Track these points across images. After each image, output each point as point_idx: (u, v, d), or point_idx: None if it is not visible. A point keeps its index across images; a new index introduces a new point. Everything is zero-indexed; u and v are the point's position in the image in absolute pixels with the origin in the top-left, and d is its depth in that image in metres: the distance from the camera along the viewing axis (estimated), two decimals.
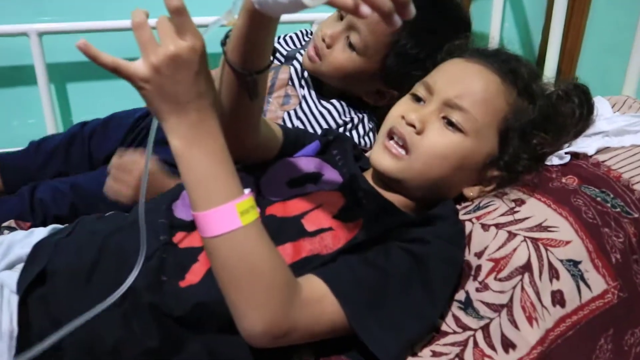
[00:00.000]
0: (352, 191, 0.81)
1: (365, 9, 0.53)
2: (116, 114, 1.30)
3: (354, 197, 0.80)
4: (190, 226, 0.75)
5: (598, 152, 0.88)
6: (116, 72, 0.61)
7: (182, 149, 0.61)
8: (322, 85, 1.18)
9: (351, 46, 1.06)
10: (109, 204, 0.97)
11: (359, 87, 1.14)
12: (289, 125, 1.15)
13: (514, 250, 0.74)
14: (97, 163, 1.24)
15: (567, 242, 0.73)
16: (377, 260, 0.70)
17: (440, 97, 0.79)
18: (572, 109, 0.86)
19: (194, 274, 0.71)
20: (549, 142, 0.83)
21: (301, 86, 1.19)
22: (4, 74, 1.57)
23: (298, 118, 1.15)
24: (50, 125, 1.55)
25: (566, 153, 0.87)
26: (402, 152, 0.79)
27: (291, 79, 1.20)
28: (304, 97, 1.17)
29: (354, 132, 1.14)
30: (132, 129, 1.26)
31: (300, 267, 0.69)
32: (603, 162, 0.86)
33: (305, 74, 1.19)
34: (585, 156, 0.88)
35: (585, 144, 0.88)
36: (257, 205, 0.71)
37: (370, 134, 1.15)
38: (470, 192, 0.84)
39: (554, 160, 0.87)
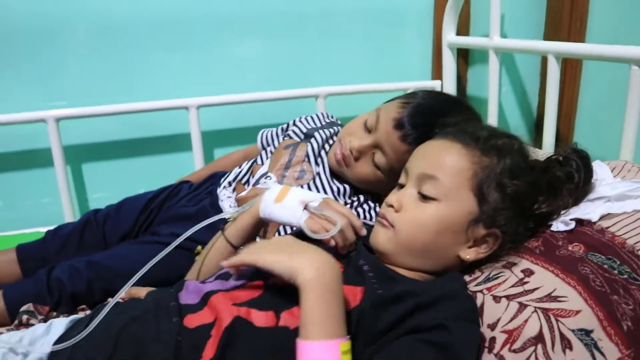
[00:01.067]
0: (353, 260, 0.87)
1: (332, 242, 0.86)
2: (127, 198, 1.35)
3: (355, 266, 0.85)
4: (197, 307, 0.80)
5: (602, 218, 0.90)
6: None
7: (315, 282, 0.71)
8: None
9: (376, 164, 1.15)
10: (126, 279, 1.00)
11: (380, 190, 1.20)
12: None
13: (525, 321, 0.75)
14: (112, 246, 1.27)
15: (577, 312, 0.75)
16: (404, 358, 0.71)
17: (413, 175, 0.89)
18: (570, 172, 0.91)
19: (209, 349, 0.73)
20: (529, 195, 0.88)
21: (317, 164, 1.26)
22: (20, 158, 1.64)
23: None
24: (66, 205, 1.59)
25: (571, 220, 0.89)
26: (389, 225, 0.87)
27: (307, 156, 1.27)
28: (317, 174, 1.24)
29: (359, 209, 1.20)
30: (144, 210, 1.30)
31: None
32: (607, 228, 0.88)
33: (320, 157, 1.27)
34: (589, 222, 0.90)
35: (589, 210, 0.91)
36: (259, 276, 0.82)
37: (374, 211, 1.20)
38: (466, 254, 0.87)
39: (560, 226, 0.89)
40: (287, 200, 0.88)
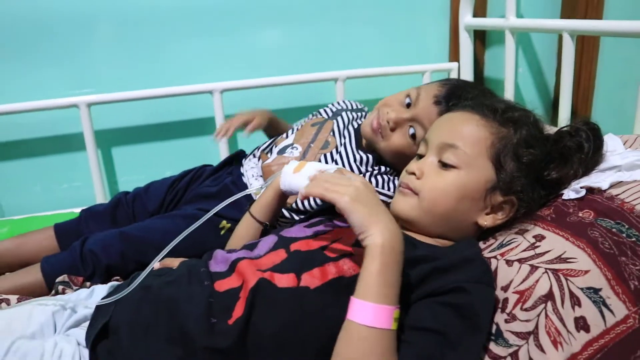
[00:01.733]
0: None
1: None
2: (153, 182, 1.42)
3: None
4: (226, 273, 0.86)
5: (612, 186, 0.93)
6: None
7: (385, 250, 0.73)
8: (360, 140, 1.30)
9: (413, 136, 1.18)
10: (158, 249, 1.06)
11: (406, 164, 1.25)
12: None
13: (537, 281, 0.79)
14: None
15: (586, 272, 0.78)
16: (425, 321, 0.75)
17: (433, 145, 0.93)
18: (579, 142, 0.95)
19: (239, 309, 0.79)
20: (542, 163, 0.92)
21: (342, 137, 1.32)
22: (53, 142, 1.72)
23: (333, 160, 1.27)
24: (98, 187, 1.67)
25: (581, 187, 0.92)
26: (412, 193, 0.91)
27: (333, 131, 1.33)
28: (342, 144, 1.30)
29: (379, 177, 1.24)
30: (170, 191, 1.38)
31: (328, 287, 0.79)
32: (617, 195, 0.91)
33: (347, 130, 1.32)
34: (599, 190, 0.93)
35: (599, 179, 0.94)
36: (282, 245, 0.87)
37: (392, 183, 1.24)
38: (484, 221, 0.91)
39: (570, 194, 0.93)
40: (304, 170, 0.92)
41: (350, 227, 0.80)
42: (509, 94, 1.63)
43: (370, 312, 0.69)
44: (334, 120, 1.35)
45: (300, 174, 0.92)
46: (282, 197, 1.01)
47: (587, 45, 1.60)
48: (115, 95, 1.62)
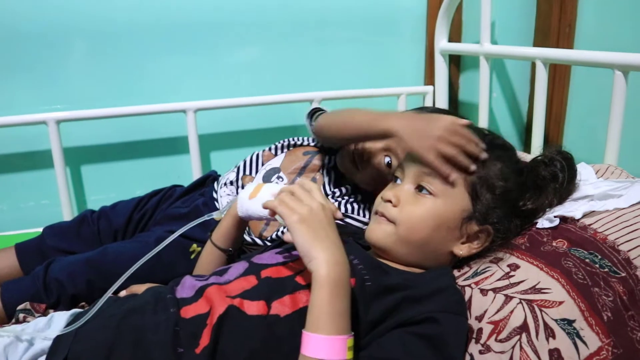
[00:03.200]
0: None
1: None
2: (121, 201, 1.39)
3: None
4: (192, 299, 0.83)
5: (584, 215, 0.94)
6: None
7: (331, 280, 0.71)
8: (340, 176, 1.29)
9: (389, 165, 1.17)
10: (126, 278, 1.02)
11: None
12: None
13: (511, 312, 0.78)
14: (106, 241, 1.30)
15: (560, 303, 0.78)
16: (395, 353, 0.74)
17: (410, 172, 0.92)
18: (554, 172, 0.95)
19: (205, 337, 0.77)
20: (518, 195, 0.92)
21: (326, 174, 1.30)
22: (21, 159, 1.67)
23: None
24: (66, 206, 1.62)
25: (555, 217, 0.93)
26: (387, 221, 0.89)
27: (322, 167, 1.31)
28: (327, 182, 1.28)
29: (354, 204, 1.24)
30: (137, 208, 1.35)
31: (299, 315, 0.76)
32: (589, 225, 0.92)
33: (330, 166, 1.30)
34: (573, 220, 0.94)
35: (572, 208, 0.94)
36: (253, 271, 0.85)
37: (367, 210, 1.24)
38: (459, 250, 0.90)
39: (544, 223, 0.93)
40: (260, 194, 0.90)
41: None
42: (482, 118, 1.64)
43: (323, 345, 0.68)
44: (326, 156, 1.32)
45: (256, 200, 0.90)
46: (242, 223, 0.99)
47: (559, 73, 1.62)
48: (85, 112, 1.59)
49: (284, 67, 1.79)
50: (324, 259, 0.72)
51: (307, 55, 1.80)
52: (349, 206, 1.22)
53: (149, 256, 0.86)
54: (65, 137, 1.61)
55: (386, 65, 1.88)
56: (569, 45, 1.60)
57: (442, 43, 1.79)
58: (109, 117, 1.62)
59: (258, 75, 1.78)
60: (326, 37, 1.81)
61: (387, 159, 1.17)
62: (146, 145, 1.75)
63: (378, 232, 0.91)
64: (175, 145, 1.76)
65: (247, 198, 0.91)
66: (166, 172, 1.66)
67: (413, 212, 0.88)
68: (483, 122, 1.63)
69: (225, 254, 1.01)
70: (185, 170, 1.67)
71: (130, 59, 1.66)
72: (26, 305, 1.03)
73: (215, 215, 0.96)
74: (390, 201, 0.90)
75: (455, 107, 1.91)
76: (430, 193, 0.89)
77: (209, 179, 1.42)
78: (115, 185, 1.71)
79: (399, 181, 0.94)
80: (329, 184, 1.27)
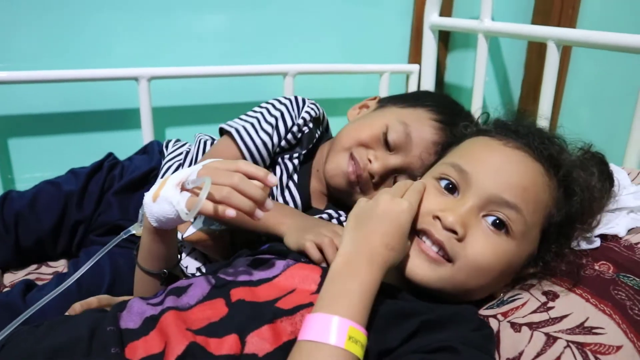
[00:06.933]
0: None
1: (229, 212, 0.66)
2: (42, 188, 1.12)
3: None
4: (141, 331, 0.64)
5: (629, 232, 0.79)
6: None
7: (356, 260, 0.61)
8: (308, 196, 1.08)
9: None
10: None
11: None
12: None
13: (558, 358, 0.62)
14: (27, 251, 1.06)
15: (618, 348, 0.63)
16: None
17: (482, 190, 0.69)
18: (600, 187, 0.77)
19: None
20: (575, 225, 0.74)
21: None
22: None
23: None
24: None
25: (595, 237, 0.77)
26: (441, 256, 0.67)
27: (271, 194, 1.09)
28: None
29: None
30: (69, 203, 1.09)
31: (282, 353, 0.59)
32: (637, 244, 0.77)
33: (287, 190, 1.08)
34: (614, 237, 0.78)
35: (612, 224, 0.79)
36: (220, 291, 0.68)
37: None
38: (500, 293, 0.74)
39: (582, 244, 0.77)
40: (163, 192, 0.70)
41: (310, 264, 0.72)
42: (476, 104, 1.48)
43: (313, 324, 0.56)
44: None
45: (160, 199, 0.70)
46: (165, 235, 0.77)
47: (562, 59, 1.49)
48: (13, 74, 1.33)
49: (254, 35, 1.58)
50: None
51: (280, 23, 1.60)
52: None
53: (63, 287, 0.70)
54: None
55: (368, 39, 1.69)
56: (572, 26, 1.48)
57: (432, 17, 1.60)
58: (45, 81, 1.36)
59: (224, 43, 1.56)
60: (302, 5, 1.60)
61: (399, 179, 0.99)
62: (90, 117, 1.52)
63: (428, 272, 0.68)
64: (124, 119, 1.54)
65: (151, 202, 0.72)
66: (113, 148, 1.41)
67: (484, 255, 0.67)
68: (476, 109, 1.47)
69: (157, 279, 0.80)
70: (136, 147, 1.44)
71: (74, 14, 1.41)
72: None
73: (133, 229, 0.77)
74: (454, 232, 0.67)
75: (441, 89, 1.75)
76: (507, 232, 0.68)
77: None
78: (51, 163, 1.46)
79: (456, 194, 0.71)
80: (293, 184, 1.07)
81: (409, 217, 0.65)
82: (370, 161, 0.98)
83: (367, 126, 1.01)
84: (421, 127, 0.97)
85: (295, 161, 1.07)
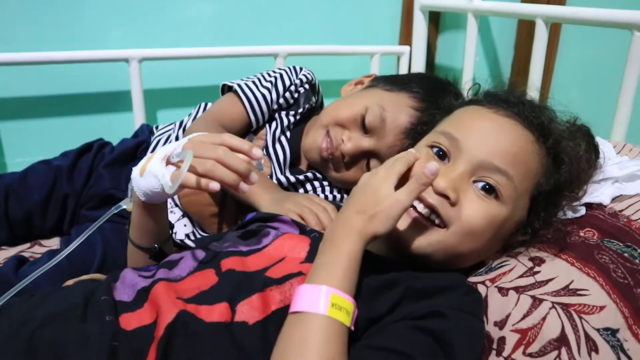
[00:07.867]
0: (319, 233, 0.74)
1: (213, 185, 0.66)
2: (34, 166, 1.13)
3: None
4: (134, 304, 0.64)
5: (613, 200, 0.80)
6: None
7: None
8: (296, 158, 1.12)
9: (368, 168, 1.01)
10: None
11: None
12: None
13: (543, 319, 0.64)
14: (17, 226, 1.07)
15: (602, 308, 0.64)
16: (393, 343, 0.58)
17: (472, 156, 0.69)
18: (587, 157, 0.79)
19: (152, 355, 0.59)
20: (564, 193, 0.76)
21: (274, 155, 1.10)
22: None
23: None
24: None
25: (581, 205, 0.78)
26: (436, 221, 0.68)
27: (265, 147, 1.11)
28: (274, 169, 1.10)
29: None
30: (59, 178, 1.10)
31: (272, 321, 0.61)
32: (621, 211, 0.78)
33: (279, 143, 1.10)
34: (599, 206, 0.80)
35: (598, 193, 0.81)
36: (210, 262, 0.69)
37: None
38: (490, 259, 0.75)
39: (568, 213, 0.78)
40: (150, 166, 0.71)
41: (299, 234, 0.72)
42: (466, 85, 1.49)
43: (296, 296, 0.57)
44: (267, 128, 1.11)
45: (147, 173, 0.71)
46: (155, 209, 0.77)
47: (550, 42, 1.50)
48: (5, 56, 1.32)
49: (246, 16, 1.58)
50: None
51: (271, 4, 1.59)
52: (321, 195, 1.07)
53: (55, 261, 0.72)
54: None
55: (359, 21, 1.69)
56: (561, 4, 1.49)
57: None
58: (36, 63, 1.35)
59: (216, 25, 1.56)
60: None
61: (370, 164, 1.02)
62: (81, 100, 1.51)
63: (420, 240, 0.68)
64: (115, 101, 1.53)
65: (139, 176, 0.72)
66: (104, 132, 1.41)
67: (476, 218, 0.68)
68: (466, 89, 1.48)
69: (148, 253, 0.80)
70: (127, 130, 1.43)
71: None
72: None
73: (124, 204, 0.77)
74: (447, 197, 0.67)
75: (431, 70, 1.75)
76: (497, 197, 0.69)
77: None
78: (42, 146, 1.45)
79: (447, 161, 0.72)
80: (275, 174, 1.08)
81: (386, 183, 0.63)
82: (343, 141, 1.00)
83: (347, 106, 1.03)
84: (398, 113, 0.99)
85: (291, 118, 1.11)
